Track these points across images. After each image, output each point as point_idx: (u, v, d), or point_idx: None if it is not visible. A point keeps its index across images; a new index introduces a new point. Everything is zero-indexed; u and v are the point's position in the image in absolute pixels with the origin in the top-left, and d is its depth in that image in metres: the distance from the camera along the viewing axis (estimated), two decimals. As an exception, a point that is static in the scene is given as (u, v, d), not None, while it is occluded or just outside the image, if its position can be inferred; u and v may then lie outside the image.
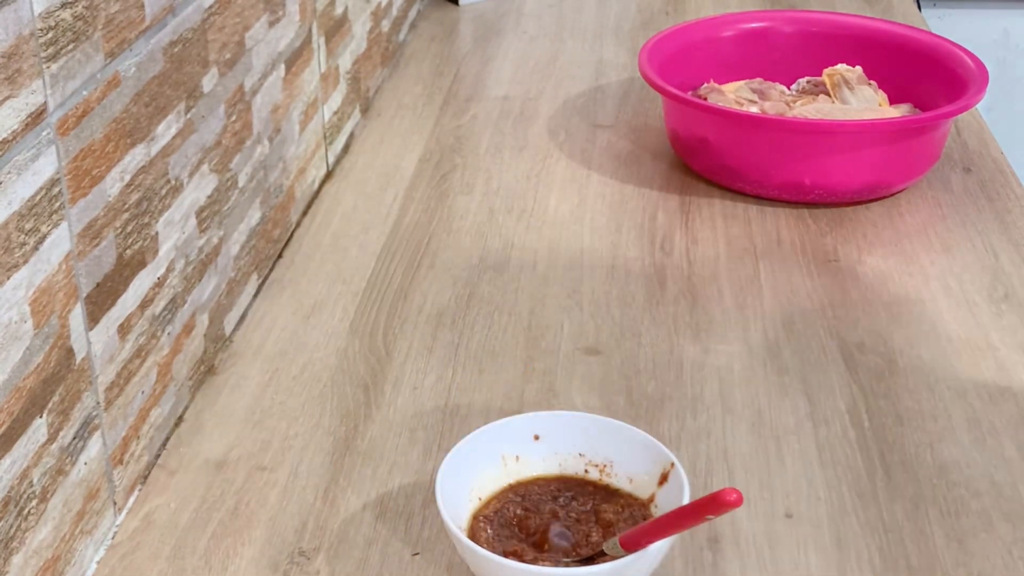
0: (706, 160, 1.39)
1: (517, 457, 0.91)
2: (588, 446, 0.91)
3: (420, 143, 1.52)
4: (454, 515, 0.84)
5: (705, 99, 1.44)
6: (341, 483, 0.96)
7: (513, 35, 1.88)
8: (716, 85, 1.49)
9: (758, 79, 1.52)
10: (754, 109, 1.44)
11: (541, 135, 1.54)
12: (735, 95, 1.47)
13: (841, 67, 1.48)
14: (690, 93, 1.47)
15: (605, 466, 0.90)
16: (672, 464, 0.86)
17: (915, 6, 2.00)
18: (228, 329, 1.14)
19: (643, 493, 0.88)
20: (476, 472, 0.89)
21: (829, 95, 1.47)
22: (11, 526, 0.77)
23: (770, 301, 1.19)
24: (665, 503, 0.86)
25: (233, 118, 1.12)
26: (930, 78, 1.45)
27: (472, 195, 1.39)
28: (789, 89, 1.51)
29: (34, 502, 0.80)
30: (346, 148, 1.50)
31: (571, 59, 1.78)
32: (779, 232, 1.31)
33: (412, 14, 1.89)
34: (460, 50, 1.83)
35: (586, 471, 0.91)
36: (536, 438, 0.91)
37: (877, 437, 1.00)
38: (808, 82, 1.51)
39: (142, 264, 0.94)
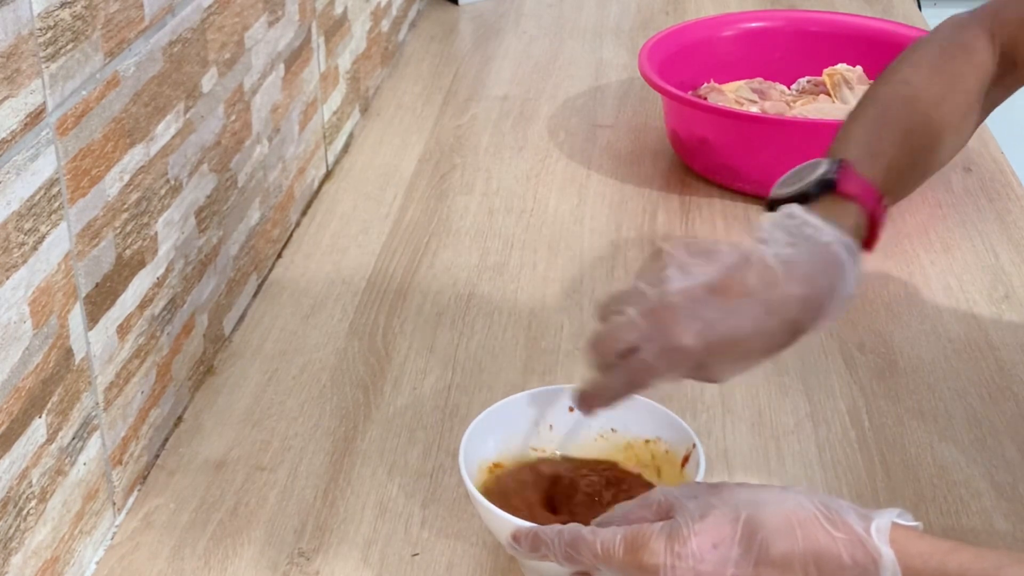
0: (706, 160, 1.39)
1: (551, 425, 0.92)
2: (620, 422, 0.91)
3: (420, 143, 1.52)
4: (473, 467, 0.86)
5: (705, 99, 1.44)
6: (341, 483, 0.96)
7: (513, 35, 1.88)
8: (716, 85, 1.49)
9: (758, 79, 1.52)
10: (754, 109, 1.44)
11: (541, 135, 1.54)
12: (735, 95, 1.47)
13: (841, 67, 1.48)
14: (690, 93, 1.47)
15: (634, 444, 0.91)
16: (693, 445, 0.87)
17: (915, 6, 2.00)
18: (227, 329, 1.14)
19: (669, 472, 0.89)
20: (508, 432, 0.90)
21: (829, 95, 1.46)
22: (10, 526, 0.77)
23: (770, 301, 1.18)
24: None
25: (232, 118, 1.12)
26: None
27: (472, 195, 1.39)
28: (789, 89, 1.51)
29: (33, 502, 0.79)
30: (346, 148, 1.50)
31: (571, 59, 1.78)
32: (779, 232, 1.30)
33: (412, 14, 1.89)
34: (460, 50, 1.82)
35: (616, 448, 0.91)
36: (571, 410, 0.92)
37: (877, 437, 1.00)
38: (808, 82, 1.51)
39: (141, 264, 0.94)
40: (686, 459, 0.87)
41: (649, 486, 0.89)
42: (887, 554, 0.69)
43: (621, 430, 0.91)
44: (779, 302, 0.81)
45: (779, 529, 0.70)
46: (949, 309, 1.17)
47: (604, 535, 0.74)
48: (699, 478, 0.83)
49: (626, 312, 0.81)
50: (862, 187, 0.87)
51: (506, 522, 0.81)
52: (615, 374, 0.83)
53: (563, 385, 0.94)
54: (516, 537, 0.79)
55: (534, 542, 0.77)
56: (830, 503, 0.72)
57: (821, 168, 0.87)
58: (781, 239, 0.83)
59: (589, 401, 0.86)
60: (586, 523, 0.79)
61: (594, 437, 0.92)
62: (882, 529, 0.70)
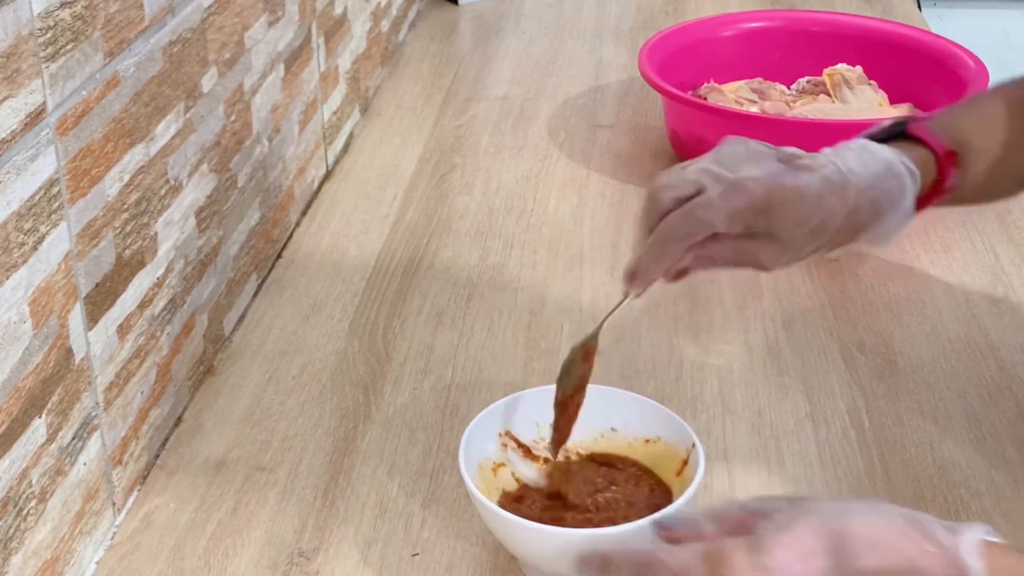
0: None
1: (551, 425, 0.91)
2: (620, 422, 0.91)
3: (420, 143, 1.52)
4: (474, 467, 0.87)
5: (705, 99, 1.44)
6: (341, 483, 0.96)
7: (513, 35, 1.88)
8: (716, 85, 1.49)
9: (758, 79, 1.52)
10: (754, 109, 1.44)
11: (541, 135, 1.54)
12: (735, 95, 1.46)
13: (841, 67, 1.48)
14: (690, 93, 1.46)
15: (634, 444, 0.91)
16: (693, 445, 0.86)
17: (915, 6, 2.00)
18: (227, 329, 1.14)
19: (669, 472, 0.89)
20: (509, 431, 0.91)
21: (829, 95, 1.46)
22: (10, 526, 0.77)
23: (770, 301, 1.18)
24: (684, 485, 0.85)
25: (232, 118, 1.12)
26: (930, 78, 1.45)
27: (472, 195, 1.39)
28: (789, 89, 1.51)
29: (33, 502, 0.79)
30: (345, 148, 1.50)
31: (571, 59, 1.78)
32: (779, 232, 1.30)
33: (412, 14, 1.89)
34: (460, 50, 1.82)
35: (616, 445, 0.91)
36: None
37: (877, 437, 1.00)
38: (808, 82, 1.51)
39: (141, 264, 0.94)
40: (686, 460, 0.87)
41: (643, 470, 0.90)
42: (977, 569, 0.66)
43: (621, 429, 0.91)
44: (840, 183, 0.84)
45: (868, 541, 0.68)
46: (949, 309, 1.17)
47: (681, 554, 0.70)
48: (699, 478, 0.83)
49: (691, 166, 0.84)
50: (931, 136, 0.90)
51: (506, 521, 0.81)
52: (670, 220, 0.82)
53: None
54: (584, 561, 0.75)
55: (602, 565, 0.74)
56: (915, 516, 0.69)
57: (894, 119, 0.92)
58: (842, 153, 0.87)
59: (635, 276, 0.84)
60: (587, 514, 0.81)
61: (594, 437, 0.92)
62: (972, 544, 0.67)
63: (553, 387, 0.92)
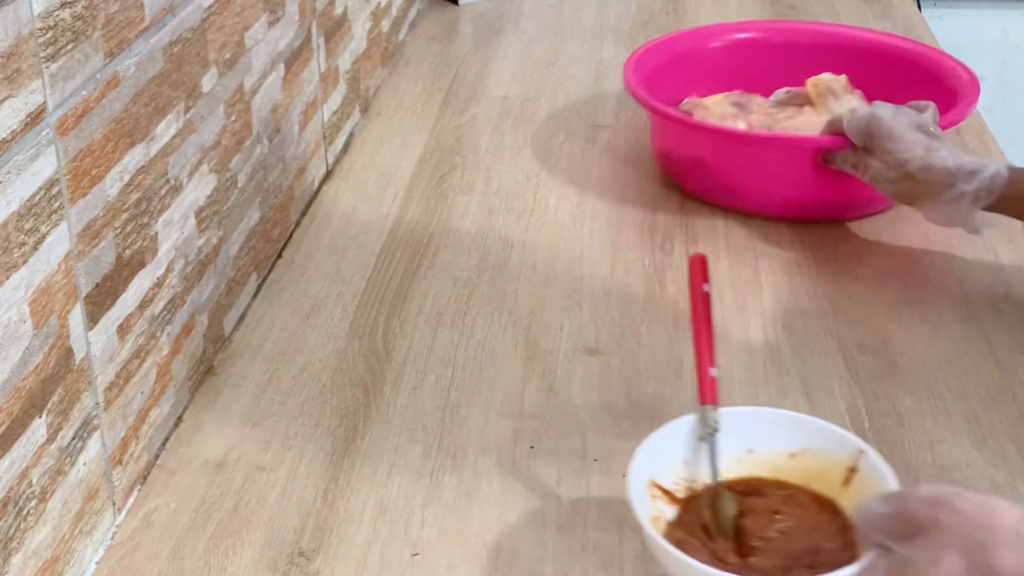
0: (702, 181, 1.36)
1: (684, 460, 0.86)
2: (755, 440, 0.86)
3: (420, 143, 1.52)
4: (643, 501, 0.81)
5: (690, 115, 1.41)
6: (341, 483, 0.96)
7: (513, 35, 1.88)
8: (698, 100, 1.45)
9: (737, 91, 1.47)
10: (741, 124, 1.40)
11: (541, 135, 1.54)
12: (716, 108, 1.43)
13: (826, 76, 1.45)
14: (675, 107, 1.43)
15: (776, 461, 0.86)
16: (861, 451, 0.82)
17: (915, 6, 2.00)
18: (227, 329, 1.14)
19: (827, 485, 0.84)
20: (652, 480, 0.84)
21: (810, 106, 1.43)
22: (10, 526, 0.77)
23: (770, 301, 1.18)
24: (857, 495, 0.80)
25: (232, 118, 1.12)
26: (919, 89, 1.42)
27: (472, 195, 1.39)
28: (767, 100, 1.47)
29: (33, 502, 0.79)
30: (346, 148, 1.50)
31: (571, 59, 1.78)
32: (779, 232, 1.30)
33: (412, 14, 1.89)
34: (460, 50, 1.82)
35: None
36: (701, 439, 0.87)
37: (877, 437, 1.00)
38: (787, 92, 1.47)
39: (141, 264, 0.94)
40: (851, 467, 0.83)
41: (797, 489, 0.84)
42: None
43: (758, 449, 0.86)
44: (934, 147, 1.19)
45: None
46: (949, 309, 1.16)
47: None
48: (893, 482, 0.78)
49: None
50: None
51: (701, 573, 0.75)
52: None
53: (688, 416, 0.89)
54: None
55: None
56: None
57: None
58: None
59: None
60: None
61: (730, 462, 0.86)
62: None
63: (679, 423, 0.88)
